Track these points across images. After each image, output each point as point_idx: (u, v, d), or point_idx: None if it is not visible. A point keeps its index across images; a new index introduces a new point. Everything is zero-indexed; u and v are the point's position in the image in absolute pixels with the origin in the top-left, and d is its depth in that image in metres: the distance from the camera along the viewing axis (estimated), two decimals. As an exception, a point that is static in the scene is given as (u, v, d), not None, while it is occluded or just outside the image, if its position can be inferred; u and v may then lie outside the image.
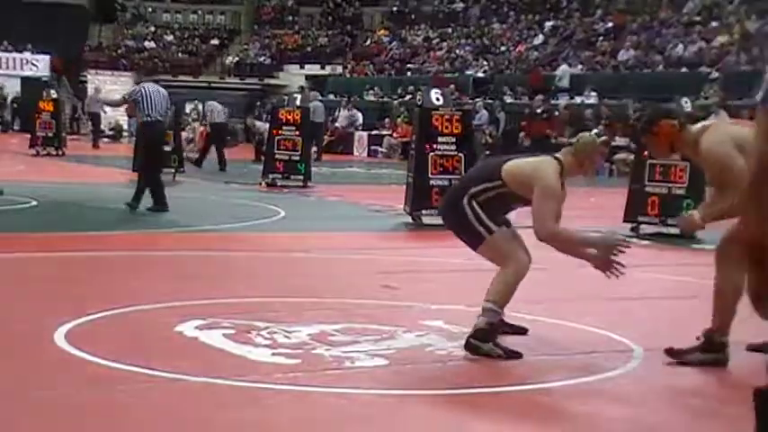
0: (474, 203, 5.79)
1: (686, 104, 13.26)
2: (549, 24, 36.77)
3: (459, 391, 5.02)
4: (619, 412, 4.78)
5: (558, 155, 5.91)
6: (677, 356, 5.60)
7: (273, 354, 5.55)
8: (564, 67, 30.75)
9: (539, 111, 25.50)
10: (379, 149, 30.86)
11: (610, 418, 4.73)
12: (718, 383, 5.39)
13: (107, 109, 29.68)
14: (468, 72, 34.66)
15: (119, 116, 33.04)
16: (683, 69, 27.65)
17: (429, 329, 6.29)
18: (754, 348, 5.76)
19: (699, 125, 5.88)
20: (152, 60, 41.98)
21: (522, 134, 25.41)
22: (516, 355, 5.65)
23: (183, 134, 22.31)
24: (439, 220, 12.21)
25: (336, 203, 15.54)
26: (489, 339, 5.67)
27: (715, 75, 25.50)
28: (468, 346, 5.67)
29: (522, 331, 6.14)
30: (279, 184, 17.66)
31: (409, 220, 12.62)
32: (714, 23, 29.94)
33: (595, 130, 6.33)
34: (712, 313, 5.60)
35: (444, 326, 6.38)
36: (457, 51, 37.76)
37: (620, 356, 5.76)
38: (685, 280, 8.45)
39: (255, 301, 7.12)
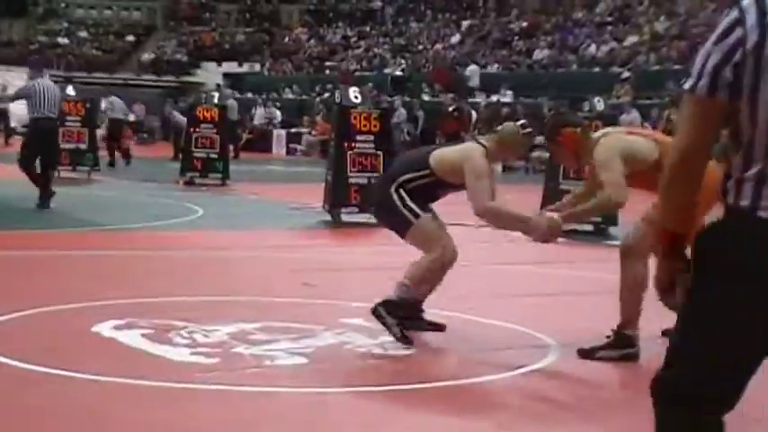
0: (402, 191, 5.92)
1: (599, 103, 13.50)
2: (465, 23, 37.09)
3: (378, 388, 5.05)
4: (536, 407, 4.86)
5: (482, 140, 6.13)
6: (589, 355, 5.70)
7: (192, 353, 5.52)
8: (473, 66, 31.10)
9: (450, 109, 25.80)
10: (298, 147, 30.78)
11: (527, 412, 4.80)
12: (633, 376, 5.50)
13: (18, 105, 29.11)
14: (387, 70, 34.76)
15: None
16: (596, 69, 28.11)
17: (348, 327, 6.31)
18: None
19: (599, 132, 5.94)
20: (65, 56, 41.27)
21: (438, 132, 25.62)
22: (407, 341, 5.81)
23: (99, 132, 21.99)
24: (358, 218, 12.36)
25: (255, 202, 15.47)
26: (395, 314, 5.84)
27: (626, 74, 25.98)
28: (373, 312, 5.88)
29: (439, 328, 6.20)
30: (197, 182, 17.52)
31: (328, 217, 12.63)
32: (625, 24, 30.56)
33: (522, 121, 6.44)
34: (620, 308, 5.72)
35: (364, 323, 6.40)
36: (375, 50, 37.84)
37: (537, 352, 5.84)
38: (600, 276, 8.59)
39: (174, 300, 7.06)
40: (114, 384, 4.90)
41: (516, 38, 33.30)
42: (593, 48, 29.34)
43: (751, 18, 2.31)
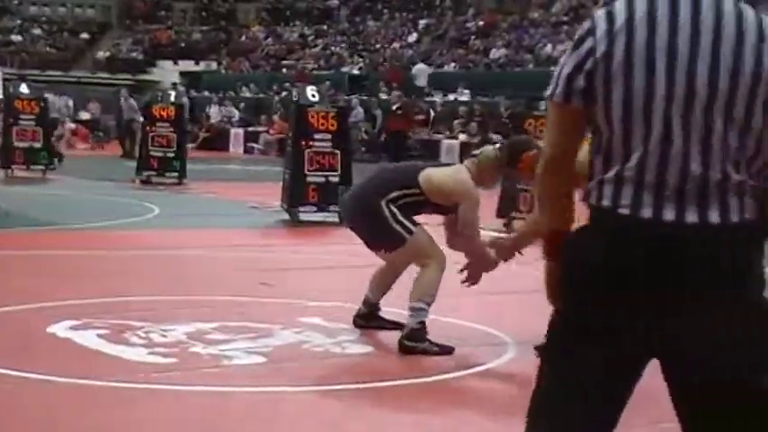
0: (392, 206, 5.89)
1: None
2: (422, 22, 37.17)
3: (336, 387, 5.06)
4: (493, 404, 4.89)
5: (466, 163, 6.12)
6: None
7: (149, 353, 5.48)
8: (420, 65, 31.34)
9: (394, 107, 25.89)
10: (256, 146, 30.67)
11: (485, 410, 4.83)
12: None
13: None
14: (344, 69, 34.74)
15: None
16: (552, 68, 28.16)
17: (306, 326, 6.30)
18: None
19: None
20: (19, 54, 40.82)
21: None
22: (449, 349, 5.75)
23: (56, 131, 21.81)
24: (316, 217, 12.35)
25: (213, 200, 15.40)
26: (424, 339, 5.77)
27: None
28: (402, 348, 5.73)
29: (398, 326, 6.21)
30: (154, 181, 17.40)
31: (286, 216, 12.60)
32: (581, 24, 30.75)
33: (498, 145, 6.40)
34: None
35: (322, 323, 6.40)
36: (333, 48, 37.82)
37: (494, 350, 5.87)
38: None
39: (130, 300, 7.01)
40: (70, 385, 4.86)
41: (473, 37, 33.43)
42: (549, 47, 29.52)
43: (601, 29, 2.45)
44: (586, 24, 2.50)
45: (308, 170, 12.46)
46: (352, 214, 6.22)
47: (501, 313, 7.07)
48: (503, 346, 5.96)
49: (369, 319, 6.24)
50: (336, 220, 12.55)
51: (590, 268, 2.41)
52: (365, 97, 29.94)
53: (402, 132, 24.90)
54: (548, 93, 2.53)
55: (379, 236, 5.96)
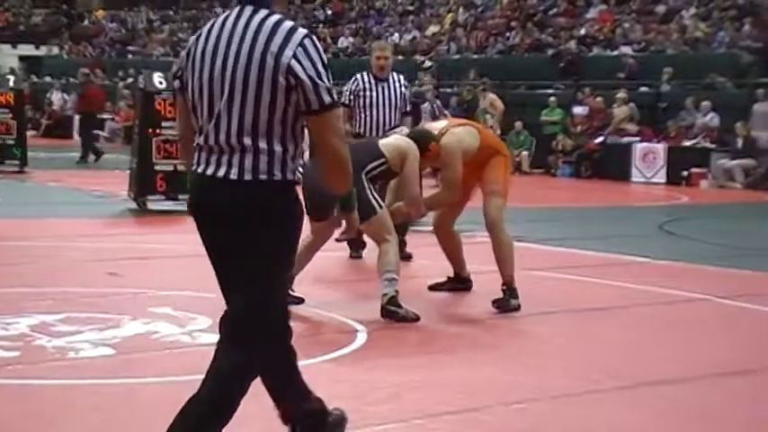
0: (365, 178, 6.35)
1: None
2: (272, 10, 36.93)
3: (187, 378, 5.00)
4: (346, 390, 4.93)
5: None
6: (504, 306, 6.77)
7: (-9, 347, 5.33)
8: None
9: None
10: (101, 134, 29.96)
11: (338, 396, 4.87)
12: (438, 354, 5.66)
13: None
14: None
15: None
16: (400, 57, 28.57)
17: (156, 316, 6.24)
18: (433, 288, 7.39)
19: (437, 128, 7.02)
20: None
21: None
22: (418, 317, 6.36)
23: None
24: (164, 206, 12.17)
25: (57, 189, 15.01)
26: (401, 305, 6.31)
27: (428, 63, 26.50)
28: (385, 313, 6.32)
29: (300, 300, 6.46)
30: (-7, 169, 16.86)
31: (134, 205, 12.40)
32: (427, 14, 31.23)
33: (403, 133, 7.17)
34: (501, 270, 6.89)
35: (172, 312, 6.34)
36: (180, 35, 37.20)
37: (345, 337, 5.93)
38: (421, 263, 8.79)
39: (-30, 292, 6.79)
40: None
41: (321, 25, 33.46)
42: (396, 36, 29.81)
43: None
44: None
45: (157, 158, 12.28)
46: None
47: (350, 300, 7.15)
48: (353, 333, 6.03)
49: None
50: (185, 208, 12.41)
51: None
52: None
53: (90, 112, 24.05)
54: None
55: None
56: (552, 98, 22.54)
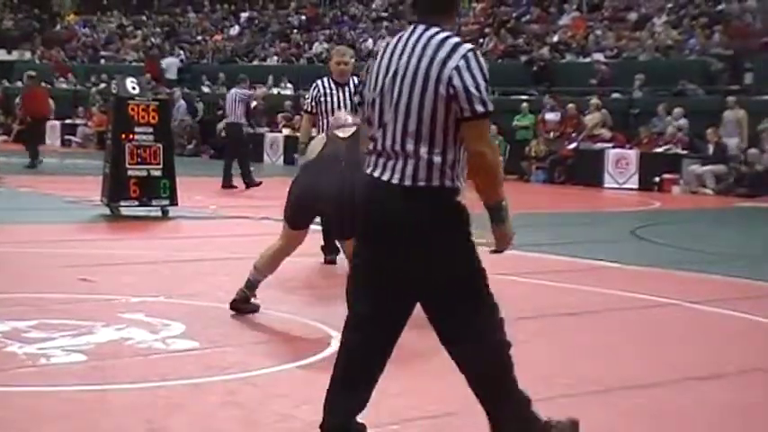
0: None
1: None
2: (244, 15, 36.93)
3: (160, 384, 5.00)
4: (320, 396, 4.93)
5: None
6: None
7: (-38, 354, 5.29)
8: (169, 59, 31.64)
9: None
10: (74, 139, 29.83)
11: (311, 402, 4.87)
12: (413, 360, 5.67)
13: None
14: (165, 61, 34.12)
15: None
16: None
17: (129, 323, 6.21)
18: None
19: None
20: None
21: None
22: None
23: None
24: (138, 211, 12.12)
25: (28, 195, 14.92)
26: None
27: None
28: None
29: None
30: (-38, 175, 16.73)
31: (107, 211, 12.34)
32: (400, 20, 31.29)
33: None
34: None
35: (145, 318, 6.32)
36: (152, 40, 37.09)
37: (318, 343, 5.93)
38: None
39: (-59, 299, 6.74)
40: None
41: (295, 31, 33.46)
42: (369, 42, 29.85)
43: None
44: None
45: (129, 164, 12.25)
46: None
47: (323, 306, 7.15)
48: (327, 339, 6.02)
49: None
50: (159, 214, 12.38)
51: None
52: (187, 90, 29.52)
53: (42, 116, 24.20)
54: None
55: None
56: (524, 104, 22.64)
